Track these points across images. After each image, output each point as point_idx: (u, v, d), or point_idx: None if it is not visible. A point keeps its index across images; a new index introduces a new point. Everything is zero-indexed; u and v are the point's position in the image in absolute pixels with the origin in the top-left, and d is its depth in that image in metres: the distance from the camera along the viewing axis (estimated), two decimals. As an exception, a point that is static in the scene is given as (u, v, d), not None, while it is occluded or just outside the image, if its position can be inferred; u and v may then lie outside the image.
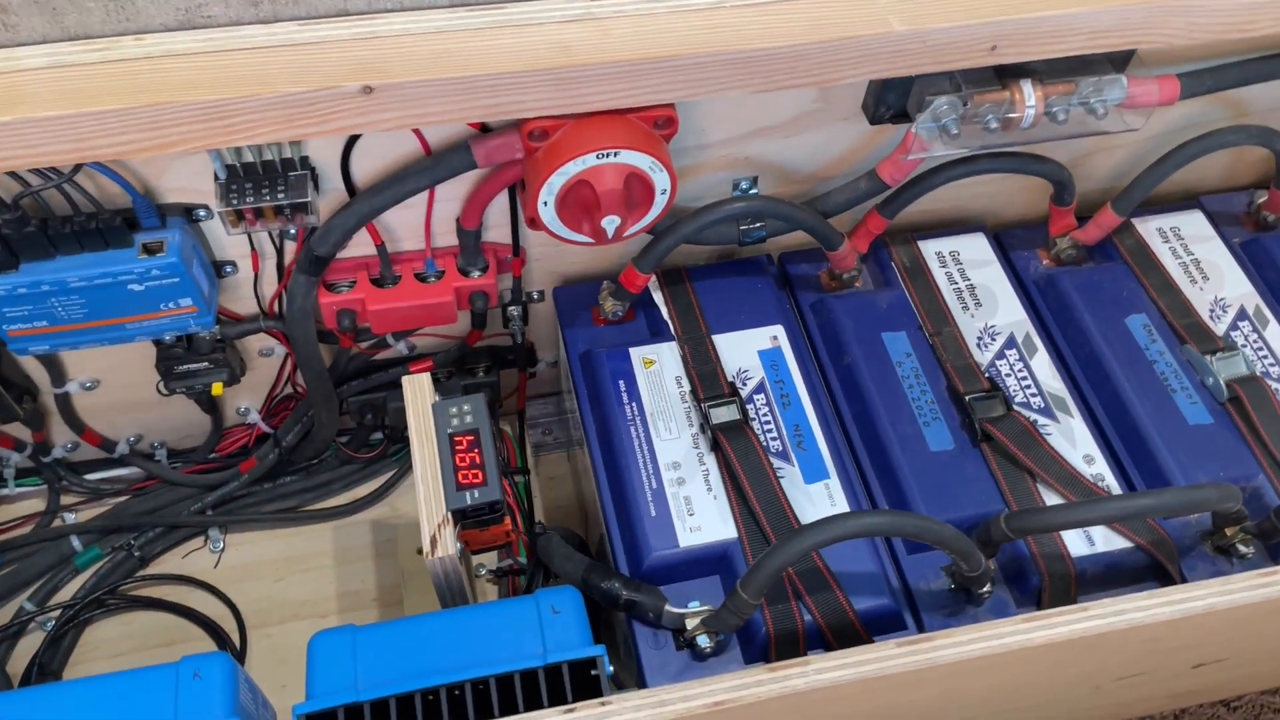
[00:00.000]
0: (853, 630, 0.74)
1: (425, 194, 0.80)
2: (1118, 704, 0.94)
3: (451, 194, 0.83)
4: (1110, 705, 0.94)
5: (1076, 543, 0.77)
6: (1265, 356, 0.88)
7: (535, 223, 0.80)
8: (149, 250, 0.76)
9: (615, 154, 0.72)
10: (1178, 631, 0.70)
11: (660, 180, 0.76)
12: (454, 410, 0.77)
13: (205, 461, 1.03)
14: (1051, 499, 0.79)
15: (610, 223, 0.75)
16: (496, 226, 0.87)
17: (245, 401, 1.01)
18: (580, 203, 0.75)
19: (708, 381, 0.83)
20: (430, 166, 0.76)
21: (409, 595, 0.97)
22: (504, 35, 0.69)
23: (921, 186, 0.86)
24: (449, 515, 0.73)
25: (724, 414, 0.81)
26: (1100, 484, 0.80)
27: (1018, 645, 0.66)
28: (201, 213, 0.79)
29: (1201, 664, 0.85)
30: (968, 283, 0.92)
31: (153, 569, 1.00)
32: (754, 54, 0.70)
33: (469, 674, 0.64)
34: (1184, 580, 0.77)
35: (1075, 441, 0.83)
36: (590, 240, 0.79)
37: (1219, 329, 0.89)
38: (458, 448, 0.75)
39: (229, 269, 0.85)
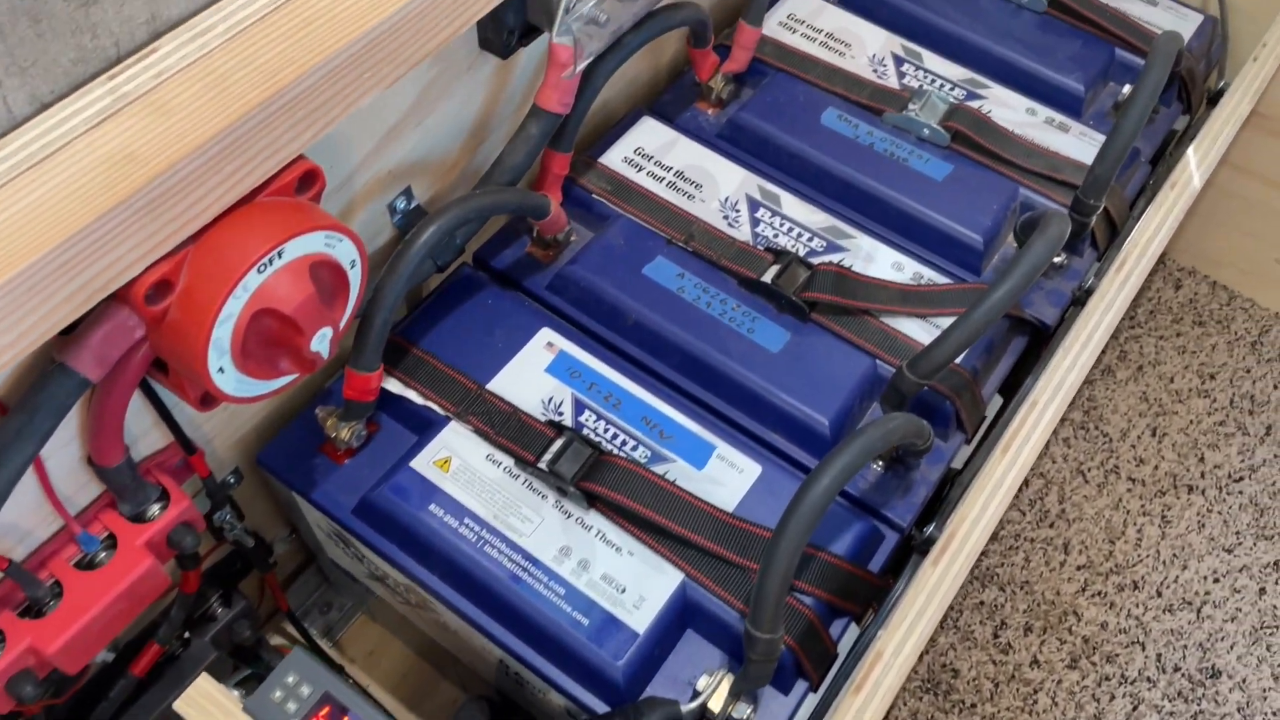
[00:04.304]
0: (855, 580, 0.63)
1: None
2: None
3: (61, 438, 0.55)
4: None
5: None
6: (937, 85, 0.86)
7: (209, 400, 0.55)
8: None
9: (279, 254, 0.50)
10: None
11: (345, 252, 0.54)
12: (277, 695, 0.53)
13: None
14: (902, 324, 0.73)
15: (323, 339, 0.53)
16: (137, 438, 0.61)
17: None
18: (266, 339, 0.52)
19: (525, 438, 0.65)
20: (25, 424, 0.48)
21: None
22: (29, 186, 0.44)
23: (586, 97, 0.72)
24: (379, 820, 0.50)
25: (574, 459, 0.64)
26: (921, 281, 0.75)
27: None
28: None
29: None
30: (673, 171, 0.80)
31: None
32: (370, 36, 0.51)
33: None
34: (1044, 325, 0.75)
35: (875, 258, 0.76)
36: (295, 375, 0.56)
37: (892, 83, 0.86)
38: (323, 733, 0.52)
39: None
